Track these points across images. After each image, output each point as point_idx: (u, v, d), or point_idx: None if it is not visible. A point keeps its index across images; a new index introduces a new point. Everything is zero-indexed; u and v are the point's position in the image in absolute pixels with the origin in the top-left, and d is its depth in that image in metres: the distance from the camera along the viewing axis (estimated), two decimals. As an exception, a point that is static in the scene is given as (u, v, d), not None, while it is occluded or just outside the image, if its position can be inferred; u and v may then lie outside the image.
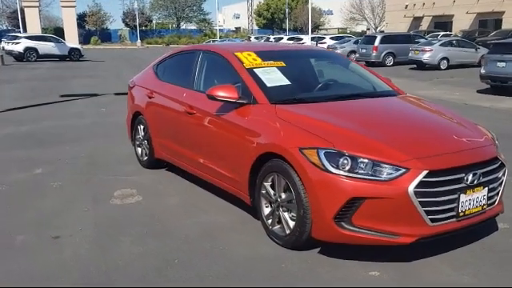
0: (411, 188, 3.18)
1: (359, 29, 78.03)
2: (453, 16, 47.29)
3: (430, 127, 3.85)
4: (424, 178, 3.21)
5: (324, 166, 3.30)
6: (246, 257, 3.66)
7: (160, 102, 5.58)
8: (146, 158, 6.11)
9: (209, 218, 4.46)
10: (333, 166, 3.28)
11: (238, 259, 3.62)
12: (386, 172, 3.24)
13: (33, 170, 6.11)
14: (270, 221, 3.88)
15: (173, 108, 5.25)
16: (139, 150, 6.26)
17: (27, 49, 31.39)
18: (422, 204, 3.22)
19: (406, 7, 52.27)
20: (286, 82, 4.34)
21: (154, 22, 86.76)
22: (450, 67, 23.56)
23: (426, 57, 23.58)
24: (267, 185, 3.85)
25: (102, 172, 6.00)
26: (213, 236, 4.04)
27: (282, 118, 3.77)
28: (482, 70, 15.14)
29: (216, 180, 4.60)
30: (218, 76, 4.90)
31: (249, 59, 4.54)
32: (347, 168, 3.27)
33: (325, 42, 36.55)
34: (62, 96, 13.57)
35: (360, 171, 3.25)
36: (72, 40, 42.30)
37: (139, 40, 64.73)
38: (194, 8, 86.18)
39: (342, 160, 3.28)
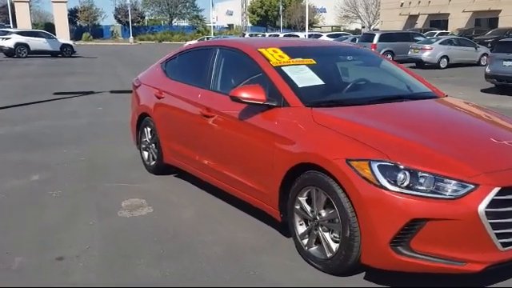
0: (482, 208, 2.72)
1: (353, 27, 77.76)
2: (449, 14, 47.08)
3: (492, 136, 3.36)
4: (495, 195, 2.75)
5: (378, 181, 2.83)
6: (283, 284, 3.18)
7: (171, 103, 5.09)
8: (153, 163, 5.62)
9: (231, 234, 3.98)
10: (389, 182, 2.81)
11: None
12: (451, 189, 2.77)
13: (29, 176, 5.59)
14: (305, 241, 3.41)
15: (186, 110, 4.76)
16: (146, 154, 5.76)
17: (18, 44, 30.62)
18: (493, 226, 2.76)
19: (401, 5, 51.97)
20: (318, 81, 3.87)
21: (146, 18, 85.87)
22: (449, 66, 23.24)
23: (425, 55, 23.24)
24: (302, 200, 3.38)
25: (106, 178, 5.50)
26: (239, 257, 3.56)
27: (322, 124, 3.29)
28: (488, 69, 14.82)
29: (237, 191, 4.11)
30: (238, 75, 4.42)
31: (275, 56, 4.06)
32: (405, 184, 2.80)
33: (321, 40, 36.03)
34: (56, 94, 12.99)
35: (420, 188, 2.79)
36: (63, 36, 41.53)
37: (132, 36, 63.94)
38: (187, 4, 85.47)
39: (399, 174, 2.81)
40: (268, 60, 4.00)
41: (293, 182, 3.42)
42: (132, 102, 6.10)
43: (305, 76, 3.86)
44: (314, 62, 4.10)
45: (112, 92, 13.63)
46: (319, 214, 3.25)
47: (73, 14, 71.74)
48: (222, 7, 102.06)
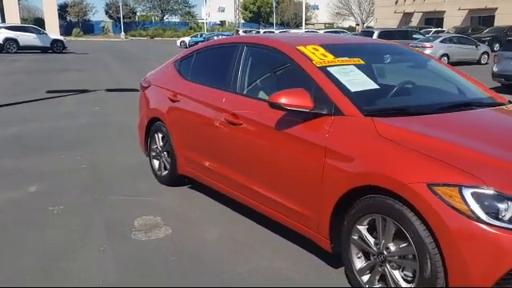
0: None
1: (346, 24, 77.43)
2: (444, 12, 46.77)
3: None
4: None
5: (474, 212, 2.27)
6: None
7: (188, 107, 4.50)
8: (165, 172, 5.03)
9: (267, 262, 3.40)
10: (488, 214, 2.25)
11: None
12: None
13: (25, 187, 4.98)
14: (365, 278, 2.84)
15: (206, 115, 4.18)
16: (156, 162, 5.16)
17: (7, 40, 29.80)
18: None
19: (396, 3, 51.60)
20: (373, 85, 3.31)
21: (137, 14, 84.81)
22: (450, 64, 22.76)
23: (426, 53, 22.76)
24: (362, 229, 2.81)
25: (112, 190, 4.91)
26: (283, 294, 2.99)
27: (389, 138, 2.72)
28: (495, 68, 14.43)
29: (272, 212, 3.54)
30: (272, 77, 3.86)
31: (317, 55, 3.48)
32: (508, 217, 2.25)
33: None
34: (50, 92, 12.32)
35: (528, 222, 2.24)
36: (53, 31, 40.56)
37: (123, 32, 62.95)
38: (179, 0, 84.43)
39: (501, 205, 2.26)
40: (310, 59, 3.42)
41: (349, 206, 2.86)
42: (140, 105, 5.49)
43: (356, 79, 3.29)
44: (363, 62, 3.53)
45: (108, 90, 12.99)
46: (386, 248, 2.68)
47: (63, 9, 70.54)
48: (214, 3, 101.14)
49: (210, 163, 4.22)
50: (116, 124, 8.36)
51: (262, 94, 3.81)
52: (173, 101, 4.70)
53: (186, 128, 4.56)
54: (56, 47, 31.43)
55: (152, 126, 5.12)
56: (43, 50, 31.05)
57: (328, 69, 3.33)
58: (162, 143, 5.01)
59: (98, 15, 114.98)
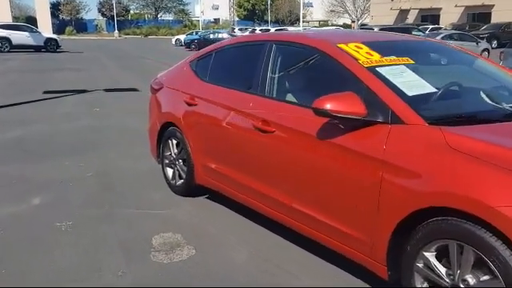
0: None
1: (341, 21, 77.16)
2: (440, 9, 46.52)
3: None
4: None
5: None
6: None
7: (207, 112, 4.10)
8: (180, 182, 4.62)
9: (308, 288, 3.02)
10: None
11: None
12: None
13: (28, 198, 4.56)
14: (433, 312, 2.46)
15: (230, 121, 3.79)
16: (170, 171, 4.75)
17: (-1, 38, 29.22)
18: None
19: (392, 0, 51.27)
20: (430, 88, 2.90)
21: (131, 12, 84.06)
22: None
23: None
24: (430, 256, 2.42)
25: (123, 202, 4.50)
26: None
27: (464, 151, 2.32)
28: (501, 65, 14.09)
29: (315, 233, 3.12)
30: (308, 78, 3.46)
31: (362, 54, 3.09)
32: None
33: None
34: (47, 93, 11.87)
35: None
36: (45, 30, 39.93)
37: (117, 30, 62.31)
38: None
39: None
40: (356, 59, 3.02)
41: (413, 229, 2.47)
42: (151, 109, 5.07)
43: (409, 80, 2.90)
44: (412, 62, 3.14)
45: (106, 90, 12.55)
46: (463, 280, 2.29)
47: (55, 8, 69.82)
48: (208, 1, 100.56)
49: (235, 174, 3.81)
50: (118, 126, 7.94)
51: (296, 98, 3.42)
52: (190, 104, 4.30)
53: (205, 134, 4.15)
54: (50, 46, 30.89)
55: (165, 131, 4.71)
56: (36, 48, 30.49)
57: (377, 69, 2.94)
58: (176, 150, 4.60)
59: (91, 13, 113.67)
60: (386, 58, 3.09)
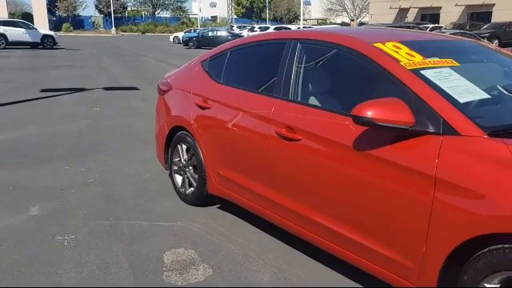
0: None
1: (339, 20, 76.92)
2: (440, 8, 46.22)
3: None
4: None
5: None
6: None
7: (222, 116, 3.76)
8: (190, 190, 4.29)
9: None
10: None
11: None
12: None
13: (26, 208, 4.22)
14: None
15: (249, 127, 3.46)
16: (179, 178, 4.42)
17: (-5, 35, 28.76)
18: None
19: (391, -2, 50.92)
20: (481, 94, 2.58)
21: (128, 9, 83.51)
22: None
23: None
24: (493, 288, 2.11)
25: (129, 212, 4.17)
26: None
27: (536, 169, 2.01)
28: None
29: (351, 255, 2.80)
30: (340, 81, 3.14)
31: (402, 54, 2.76)
32: None
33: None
34: (44, 91, 11.51)
35: None
36: (42, 27, 39.41)
37: (114, 27, 61.81)
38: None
39: None
40: (397, 60, 2.70)
41: (470, 256, 2.15)
42: (158, 111, 4.73)
43: (458, 85, 2.57)
44: (458, 64, 2.81)
45: (105, 89, 12.19)
46: (535, 319, 1.98)
47: (52, 4, 69.21)
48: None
49: (254, 186, 3.48)
50: (119, 128, 7.59)
51: (325, 103, 3.09)
52: (202, 107, 3.97)
53: (220, 140, 3.82)
54: (46, 43, 30.41)
55: (174, 135, 4.38)
56: (33, 45, 30.03)
57: (422, 72, 2.62)
58: (186, 156, 4.27)
59: (88, 10, 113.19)
60: (429, 59, 2.77)
